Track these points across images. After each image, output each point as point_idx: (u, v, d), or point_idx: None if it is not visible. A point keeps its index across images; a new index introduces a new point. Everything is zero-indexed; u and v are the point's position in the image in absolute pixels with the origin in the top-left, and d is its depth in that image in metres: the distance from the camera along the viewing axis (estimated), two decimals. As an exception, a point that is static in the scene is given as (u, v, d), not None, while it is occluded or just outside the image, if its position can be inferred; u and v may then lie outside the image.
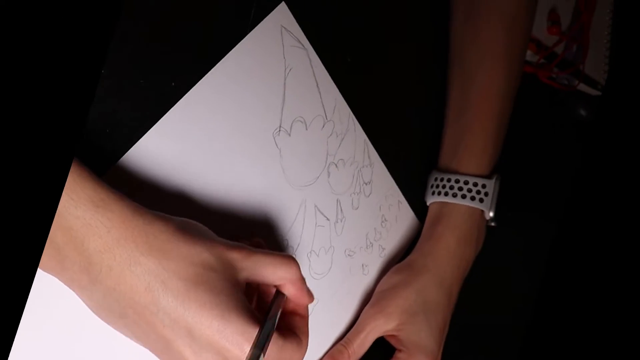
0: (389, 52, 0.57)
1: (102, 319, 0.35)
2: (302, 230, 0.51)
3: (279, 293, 0.39)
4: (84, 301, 0.34)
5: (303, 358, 0.37)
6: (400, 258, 0.58)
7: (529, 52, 0.70)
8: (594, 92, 0.73)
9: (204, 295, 0.33)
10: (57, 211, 0.31)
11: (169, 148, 0.40)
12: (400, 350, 0.53)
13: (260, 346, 0.33)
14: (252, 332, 0.33)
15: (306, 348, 0.38)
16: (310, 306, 0.51)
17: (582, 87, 0.72)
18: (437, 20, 0.60)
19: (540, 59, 0.70)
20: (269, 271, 0.37)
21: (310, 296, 0.40)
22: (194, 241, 0.34)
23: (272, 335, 0.35)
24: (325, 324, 0.53)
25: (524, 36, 0.58)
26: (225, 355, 0.33)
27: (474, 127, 0.56)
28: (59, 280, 0.34)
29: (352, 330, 0.53)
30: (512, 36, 0.57)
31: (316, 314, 0.52)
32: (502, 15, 0.56)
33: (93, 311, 0.34)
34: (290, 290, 0.39)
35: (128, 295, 0.32)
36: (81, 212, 0.31)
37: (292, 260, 0.38)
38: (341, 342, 0.52)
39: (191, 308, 0.32)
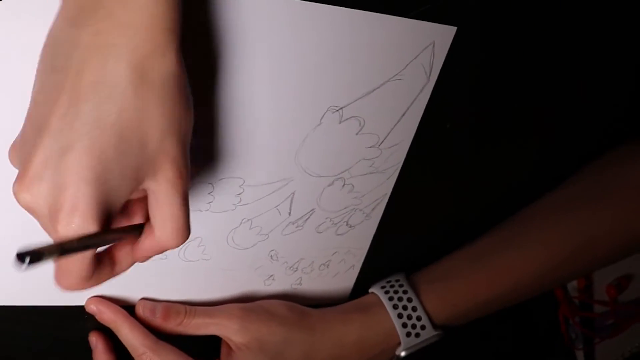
0: (485, 155, 0.53)
1: (41, 54, 0.31)
2: (262, 199, 0.46)
3: (144, 226, 0.34)
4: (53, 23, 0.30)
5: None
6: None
7: (574, 283, 0.66)
8: (584, 369, 0.68)
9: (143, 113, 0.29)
10: None
11: (249, 25, 0.37)
12: None
13: (80, 246, 0.29)
14: (93, 222, 0.29)
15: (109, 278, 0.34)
16: (198, 254, 0.47)
17: (580, 355, 0.67)
18: (543, 178, 0.56)
19: (576, 299, 0.65)
20: (165, 216, 0.32)
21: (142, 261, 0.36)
22: (181, 102, 0.31)
23: (95, 248, 0.31)
24: (192, 279, 0.48)
25: (584, 263, 0.56)
26: (58, 182, 0.29)
27: (467, 283, 0.53)
28: None
29: (204, 307, 0.49)
30: (574, 255, 0.54)
31: (196, 266, 0.47)
32: (579, 235, 0.53)
33: (46, 40, 0.31)
34: (153, 246, 0.34)
35: (87, 54, 0.29)
36: None
37: (185, 236, 0.33)
38: (187, 306, 0.48)
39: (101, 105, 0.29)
